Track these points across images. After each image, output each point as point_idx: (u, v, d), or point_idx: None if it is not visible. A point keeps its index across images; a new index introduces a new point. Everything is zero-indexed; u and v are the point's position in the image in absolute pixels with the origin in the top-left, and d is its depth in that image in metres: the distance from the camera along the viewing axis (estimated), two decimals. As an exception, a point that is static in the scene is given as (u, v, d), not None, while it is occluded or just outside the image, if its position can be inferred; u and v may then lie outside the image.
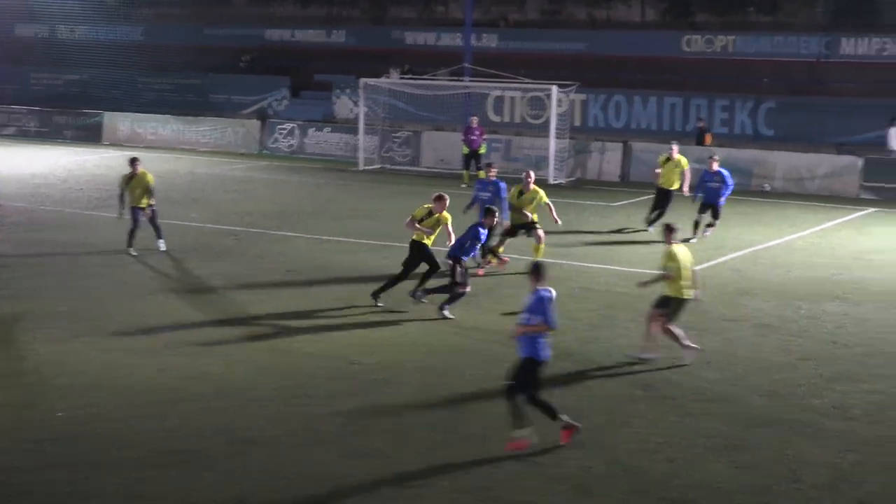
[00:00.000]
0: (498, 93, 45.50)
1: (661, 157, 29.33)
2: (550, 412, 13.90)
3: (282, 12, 62.28)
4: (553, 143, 38.92)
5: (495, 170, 24.44)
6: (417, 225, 20.49)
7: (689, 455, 13.74)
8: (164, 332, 18.74)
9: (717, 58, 47.60)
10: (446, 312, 19.81)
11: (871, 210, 33.72)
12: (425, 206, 20.80)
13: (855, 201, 35.37)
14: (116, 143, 47.65)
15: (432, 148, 42.96)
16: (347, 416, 14.76)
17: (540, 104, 43.23)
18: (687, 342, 17.43)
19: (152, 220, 25.28)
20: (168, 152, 45.06)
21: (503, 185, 23.71)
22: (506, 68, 41.75)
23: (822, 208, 33.62)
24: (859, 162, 36.91)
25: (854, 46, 45.48)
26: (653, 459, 13.57)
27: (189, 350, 17.72)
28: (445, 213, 20.62)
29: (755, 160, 37.95)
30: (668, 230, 17.57)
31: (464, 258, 20.18)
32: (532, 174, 24.08)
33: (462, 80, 42.87)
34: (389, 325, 19.54)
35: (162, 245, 25.28)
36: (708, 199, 27.49)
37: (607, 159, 40.24)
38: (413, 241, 20.79)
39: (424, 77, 42.86)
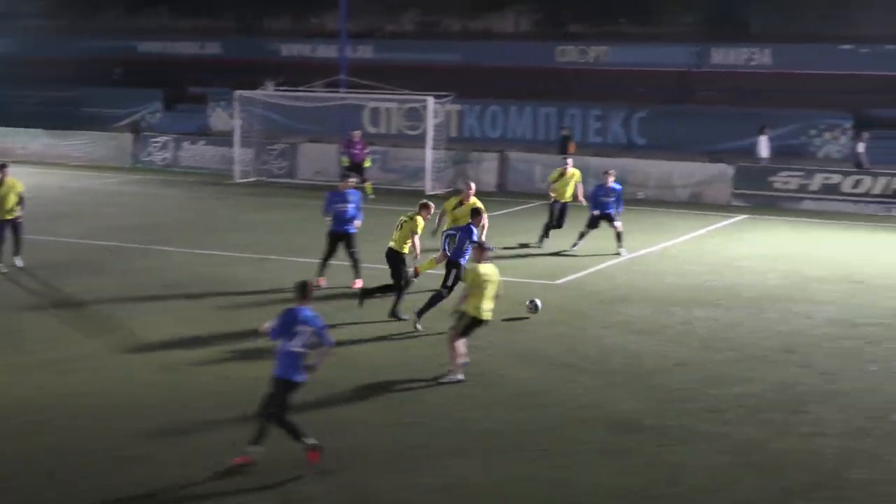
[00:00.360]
0: (374, 104, 45.51)
1: (554, 174, 29.37)
2: (296, 434, 13.37)
3: (154, 24, 61.45)
4: (430, 153, 39.03)
5: (354, 181, 24.22)
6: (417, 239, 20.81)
7: (570, 462, 13.83)
8: (36, 349, 18.33)
9: (591, 68, 48.20)
10: (419, 326, 19.74)
11: (742, 217, 34.38)
12: (409, 216, 20.72)
13: (726, 208, 36.04)
14: (-16, 158, 46.53)
15: (309, 160, 42.77)
16: (205, 431, 14.58)
17: (416, 115, 43.31)
18: (460, 362, 17.05)
19: (16, 232, 24.60)
20: (38, 167, 44.10)
21: (359, 194, 23.47)
22: (382, 79, 41.76)
23: (694, 216, 34.21)
24: (730, 170, 37.63)
25: (724, 56, 46.40)
26: (534, 467, 13.63)
27: (63, 367, 17.34)
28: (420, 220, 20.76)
29: (629, 168, 38.41)
30: (479, 249, 17.38)
31: (462, 261, 20.04)
32: (473, 186, 23.42)
33: (338, 92, 42.77)
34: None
35: (19, 262, 24.61)
36: (601, 213, 27.60)
37: (484, 169, 40.42)
38: (390, 249, 20.71)
39: (300, 89, 42.67)
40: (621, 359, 18.41)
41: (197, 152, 44.72)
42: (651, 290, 23.52)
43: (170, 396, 16.05)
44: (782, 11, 49.91)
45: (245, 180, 41.38)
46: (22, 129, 48.08)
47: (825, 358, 18.67)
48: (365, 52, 51.49)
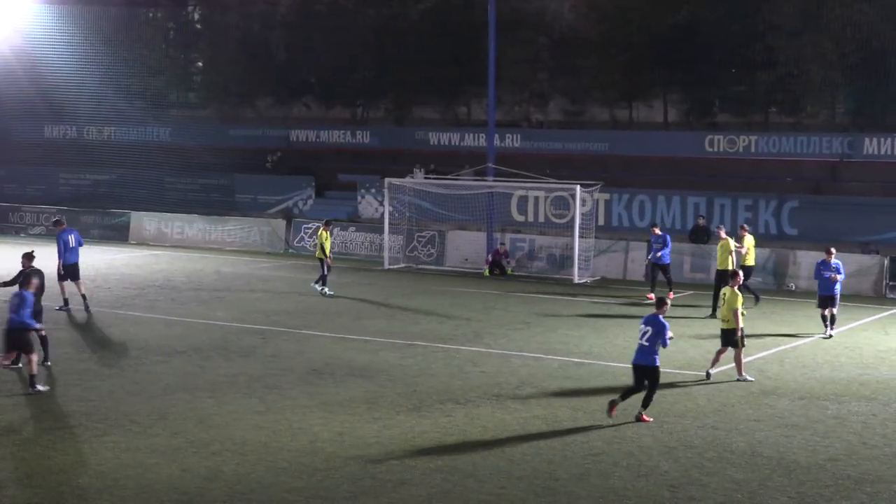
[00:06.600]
0: (522, 192, 45.73)
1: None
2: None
3: (306, 114, 62.98)
4: (577, 242, 38.97)
5: None
6: None
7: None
8: (184, 430, 18.72)
9: (739, 157, 47.79)
10: None
11: (895, 310, 33.52)
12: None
13: (880, 300, 35.16)
14: (143, 243, 48.01)
15: (456, 247, 43.08)
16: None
17: (564, 204, 43.40)
18: None
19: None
20: (194, 251, 45.35)
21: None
22: (529, 168, 41.97)
23: (846, 307, 33.36)
24: (885, 261, 36.76)
25: (877, 146, 45.62)
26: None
27: (210, 449, 17.67)
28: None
29: (780, 259, 37.87)
30: None
31: None
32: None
33: (486, 180, 43.10)
34: (410, 424, 19.45)
35: None
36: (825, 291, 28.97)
37: (632, 258, 40.22)
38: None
39: (448, 177, 43.08)
40: (772, 453, 18.02)
41: (347, 238, 45.38)
42: (802, 383, 23.02)
43: (314, 482, 16.21)
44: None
45: (394, 266, 41.81)
46: (178, 215, 49.46)
47: None
48: (513, 140, 51.94)
